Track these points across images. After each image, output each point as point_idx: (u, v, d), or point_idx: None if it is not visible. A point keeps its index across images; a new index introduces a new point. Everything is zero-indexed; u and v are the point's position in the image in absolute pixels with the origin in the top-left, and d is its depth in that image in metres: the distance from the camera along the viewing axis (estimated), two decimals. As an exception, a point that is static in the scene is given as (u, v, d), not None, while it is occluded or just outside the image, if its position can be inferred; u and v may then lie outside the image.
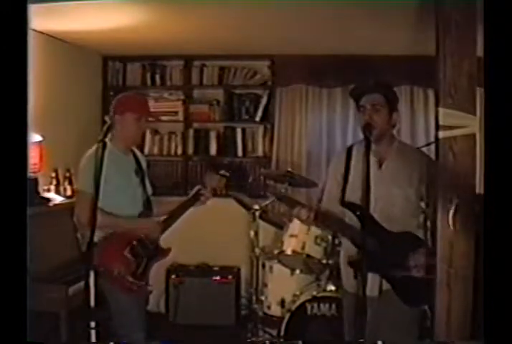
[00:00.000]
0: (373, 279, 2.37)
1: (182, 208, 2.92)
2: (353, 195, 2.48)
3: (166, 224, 2.88)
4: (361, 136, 2.51)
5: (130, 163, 2.86)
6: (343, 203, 2.50)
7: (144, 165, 2.95)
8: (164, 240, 2.90)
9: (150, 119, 2.93)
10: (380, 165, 2.55)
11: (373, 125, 2.43)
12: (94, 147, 2.67)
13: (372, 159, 2.40)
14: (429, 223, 2.47)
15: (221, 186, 2.86)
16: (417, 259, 2.43)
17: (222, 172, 2.46)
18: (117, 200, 2.67)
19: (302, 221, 2.56)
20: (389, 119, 2.53)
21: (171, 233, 2.90)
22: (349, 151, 2.66)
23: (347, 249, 2.62)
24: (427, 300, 2.56)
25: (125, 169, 2.80)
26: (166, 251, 2.89)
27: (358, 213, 2.39)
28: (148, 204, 2.86)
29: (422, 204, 2.52)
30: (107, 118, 2.73)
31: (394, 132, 2.67)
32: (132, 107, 2.77)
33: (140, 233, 2.75)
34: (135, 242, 2.72)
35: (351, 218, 2.48)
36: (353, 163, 2.60)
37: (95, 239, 2.18)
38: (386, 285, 2.45)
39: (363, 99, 2.52)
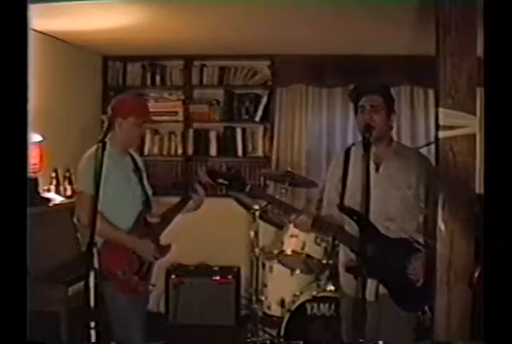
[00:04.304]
0: (370, 284, 2.36)
1: (174, 210, 2.90)
2: (352, 199, 2.47)
3: (162, 226, 2.88)
4: (360, 136, 2.51)
5: (128, 162, 2.87)
6: (342, 208, 2.49)
7: (141, 164, 2.96)
8: (164, 240, 2.90)
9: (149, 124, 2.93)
10: (377, 168, 2.54)
11: (372, 126, 2.42)
12: (93, 148, 2.68)
13: (370, 162, 2.39)
14: (428, 225, 2.47)
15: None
16: (415, 264, 2.43)
17: (221, 181, 2.47)
18: (117, 199, 2.67)
19: (299, 229, 2.56)
20: (388, 120, 2.53)
21: (171, 233, 2.90)
22: (347, 154, 2.64)
23: (345, 253, 2.61)
24: (424, 305, 2.56)
25: (123, 169, 2.81)
26: (166, 248, 2.88)
27: (355, 218, 2.37)
28: (147, 203, 2.86)
29: (422, 205, 2.52)
30: (104, 117, 2.73)
31: (393, 133, 2.67)
32: (135, 112, 2.76)
33: (136, 250, 2.72)
34: None
35: (350, 223, 2.47)
36: (351, 166, 2.58)
37: (96, 241, 2.17)
38: (383, 290, 2.44)
39: (363, 99, 2.51)
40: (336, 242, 3.49)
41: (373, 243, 2.37)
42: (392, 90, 4.48)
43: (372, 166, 2.47)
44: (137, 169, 2.89)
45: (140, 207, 2.83)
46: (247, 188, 2.45)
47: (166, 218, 2.89)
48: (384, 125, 2.51)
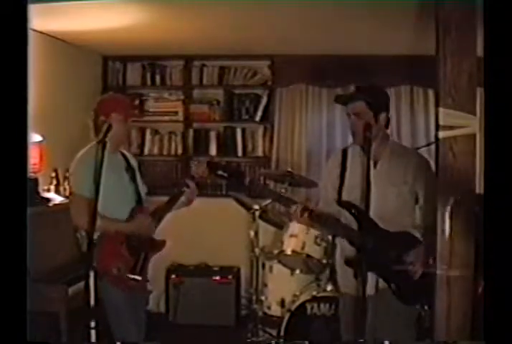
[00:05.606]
0: (369, 278, 2.38)
1: (166, 206, 2.90)
2: (350, 194, 2.53)
3: (154, 222, 2.87)
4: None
5: (120, 161, 2.87)
6: (341, 203, 2.52)
7: (134, 163, 2.96)
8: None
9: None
10: (374, 165, 2.57)
11: (359, 132, 2.47)
12: (84, 150, 2.71)
13: (366, 159, 2.40)
14: (425, 222, 2.49)
15: (206, 175, 2.85)
16: (413, 257, 2.45)
17: (220, 172, 2.47)
18: (110, 198, 2.66)
19: (298, 220, 2.57)
20: (376, 122, 2.53)
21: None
22: (344, 152, 2.71)
23: (342, 248, 2.65)
24: (424, 298, 2.57)
25: (115, 167, 2.81)
26: (160, 243, 2.88)
27: (354, 212, 2.43)
28: (140, 201, 2.86)
29: (420, 203, 2.55)
30: (89, 121, 2.75)
31: (393, 132, 2.69)
32: (117, 108, 2.77)
33: (135, 230, 2.74)
34: (129, 237, 2.72)
35: (347, 217, 2.50)
36: (348, 163, 2.64)
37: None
38: (382, 284, 2.47)
39: (347, 107, 2.59)
40: (336, 241, 3.51)
41: (372, 236, 2.40)
42: (392, 90, 4.55)
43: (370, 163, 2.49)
44: (129, 167, 2.89)
45: (133, 205, 2.83)
46: (247, 181, 2.46)
47: (158, 215, 2.89)
48: (373, 127, 2.50)
